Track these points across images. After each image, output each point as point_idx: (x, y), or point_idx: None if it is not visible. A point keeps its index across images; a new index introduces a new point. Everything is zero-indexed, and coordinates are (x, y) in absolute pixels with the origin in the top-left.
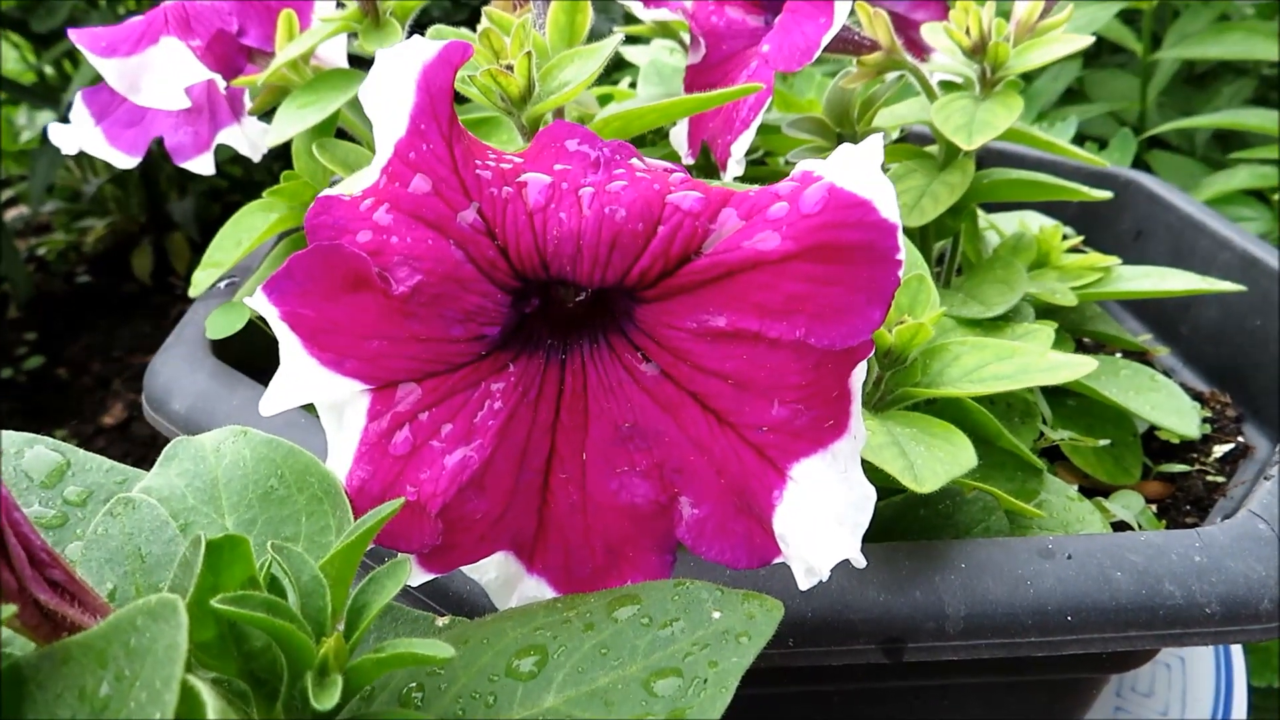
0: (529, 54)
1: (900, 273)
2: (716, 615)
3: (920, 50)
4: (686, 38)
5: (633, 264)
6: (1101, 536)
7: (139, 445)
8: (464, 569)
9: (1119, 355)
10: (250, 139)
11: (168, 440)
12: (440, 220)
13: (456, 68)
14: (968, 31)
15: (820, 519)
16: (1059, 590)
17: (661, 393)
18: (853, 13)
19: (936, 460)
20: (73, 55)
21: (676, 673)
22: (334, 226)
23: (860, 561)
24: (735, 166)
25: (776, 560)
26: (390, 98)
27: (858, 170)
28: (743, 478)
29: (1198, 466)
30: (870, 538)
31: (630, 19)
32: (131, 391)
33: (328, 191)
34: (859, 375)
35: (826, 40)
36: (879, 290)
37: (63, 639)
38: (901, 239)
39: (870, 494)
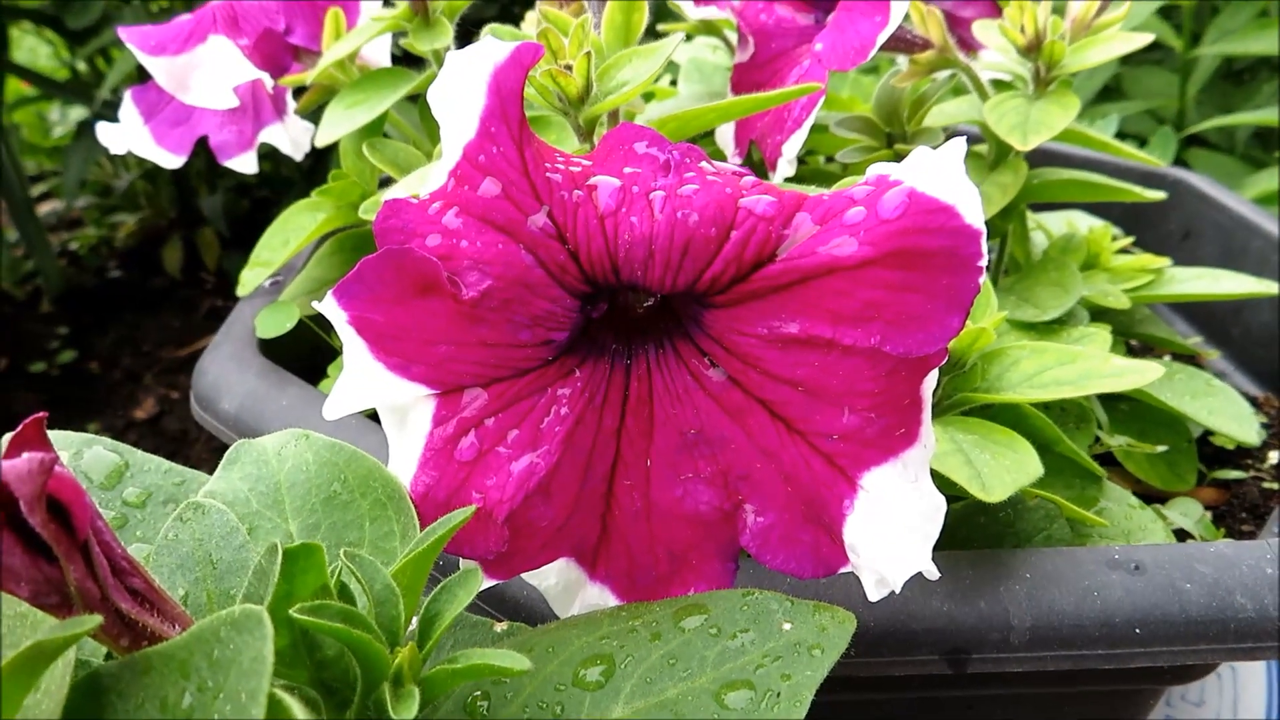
0: (588, 54)
1: (981, 280)
2: (787, 626)
3: (969, 48)
4: (732, 36)
5: (705, 269)
6: (1169, 547)
7: (169, 440)
8: (524, 575)
9: (1168, 358)
10: (293, 137)
11: (200, 435)
12: (510, 224)
13: (528, 69)
14: (1022, 29)
15: (892, 529)
16: (1127, 602)
17: (729, 399)
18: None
19: (1003, 468)
20: (106, 52)
21: (748, 685)
22: (403, 230)
23: (933, 573)
24: (786, 167)
25: (843, 570)
26: (460, 99)
27: (939, 173)
28: (811, 486)
29: (1253, 473)
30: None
31: (667, 16)
32: (162, 386)
33: (391, 193)
34: (930, 383)
35: (883, 39)
36: (958, 298)
37: (142, 648)
38: (985, 245)
39: (941, 503)
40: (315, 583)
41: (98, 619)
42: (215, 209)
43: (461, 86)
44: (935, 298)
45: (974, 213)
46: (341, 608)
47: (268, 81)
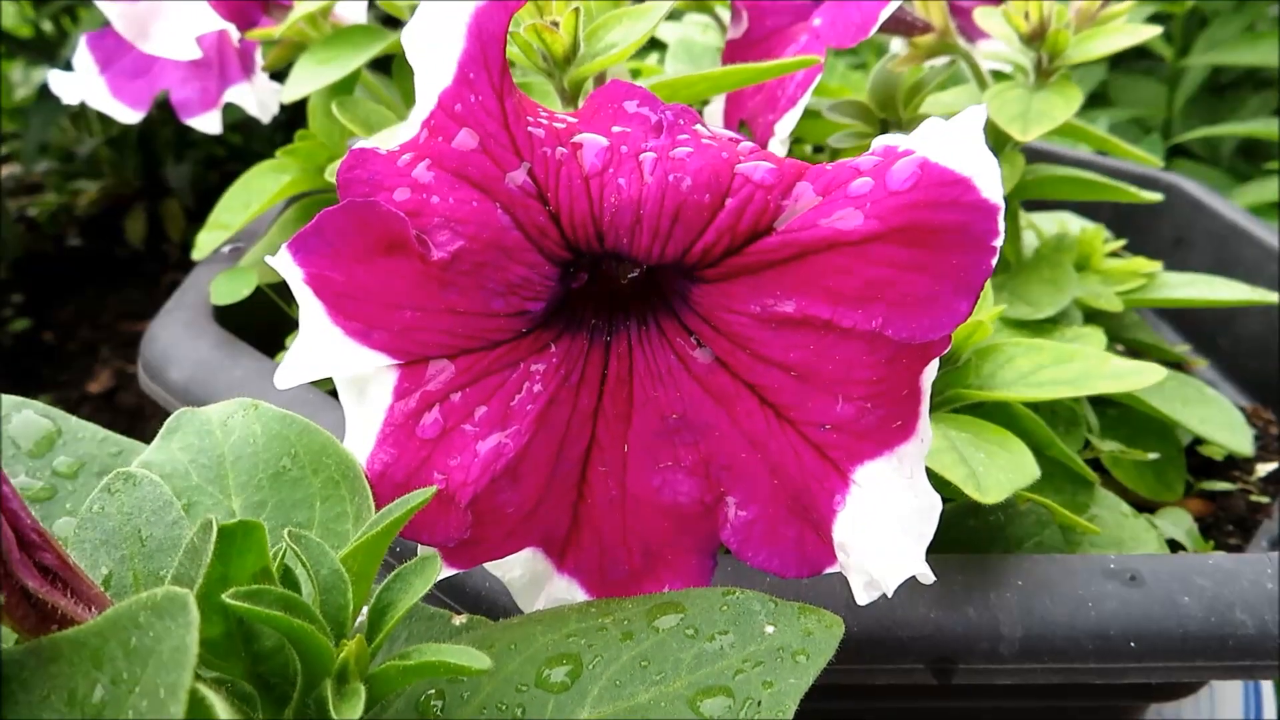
0: (576, 11)
1: (994, 261)
2: (770, 630)
3: (970, 36)
4: (724, 13)
5: (696, 239)
6: (1166, 558)
7: (124, 416)
8: (486, 565)
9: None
10: (260, 98)
11: (156, 411)
12: (487, 180)
13: (512, 13)
14: (1026, 16)
15: (885, 528)
16: (1123, 614)
17: (715, 382)
18: None
19: (999, 469)
20: (72, 11)
21: (726, 692)
22: (369, 182)
23: (928, 576)
24: (778, 147)
25: (829, 570)
26: (437, 42)
27: (956, 143)
28: (800, 479)
29: (1240, 485)
30: None
31: None
32: (119, 359)
33: (361, 143)
34: (930, 373)
35: (885, 15)
36: (968, 280)
37: (52, 632)
38: (1002, 222)
39: (936, 502)
40: (254, 565)
41: None
42: (182, 180)
43: (439, 28)
44: (944, 279)
45: (993, 186)
46: (281, 594)
47: (234, 33)
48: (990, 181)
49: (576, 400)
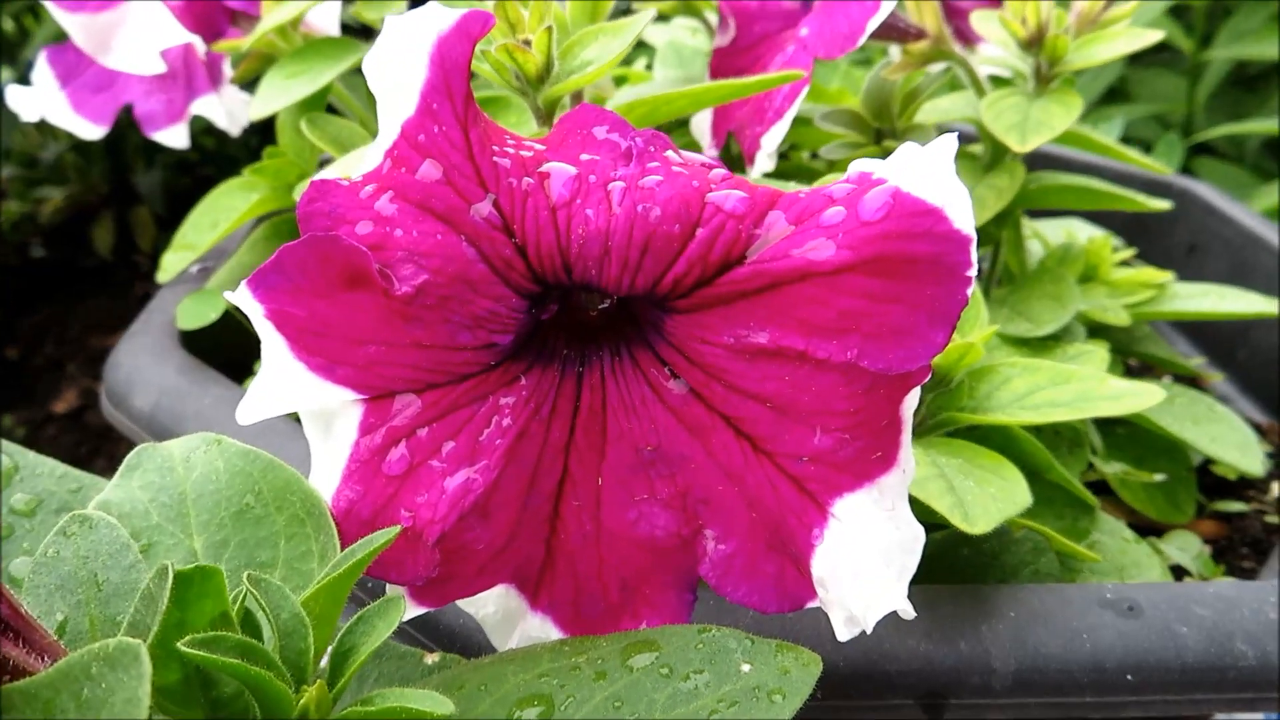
0: (549, 29)
1: (970, 291)
2: (746, 668)
3: (967, 41)
4: (712, 17)
5: (666, 270)
6: (1165, 586)
7: (92, 436)
8: (459, 602)
9: (1168, 380)
10: (229, 110)
11: (124, 435)
12: (451, 213)
13: (476, 40)
14: (1024, 21)
15: (865, 562)
16: (1119, 646)
17: (690, 414)
18: None
19: (988, 497)
20: (35, 10)
21: None
22: (330, 215)
23: (909, 612)
24: (765, 161)
25: (810, 605)
26: (399, 71)
27: (927, 173)
28: (778, 513)
29: (1255, 505)
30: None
31: None
32: (87, 376)
33: (323, 174)
34: (911, 403)
35: (874, 25)
36: (943, 310)
37: (3, 684)
38: (974, 253)
39: (919, 534)
40: (213, 610)
41: None
42: (152, 186)
43: (400, 57)
44: (918, 309)
45: (964, 217)
46: (238, 640)
47: (199, 46)
48: (962, 211)
49: (548, 433)
